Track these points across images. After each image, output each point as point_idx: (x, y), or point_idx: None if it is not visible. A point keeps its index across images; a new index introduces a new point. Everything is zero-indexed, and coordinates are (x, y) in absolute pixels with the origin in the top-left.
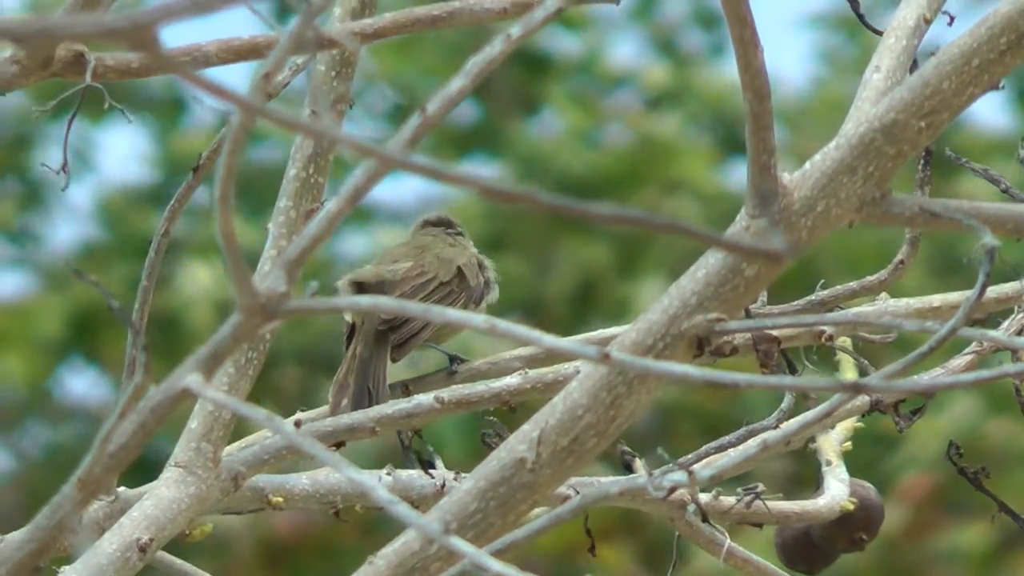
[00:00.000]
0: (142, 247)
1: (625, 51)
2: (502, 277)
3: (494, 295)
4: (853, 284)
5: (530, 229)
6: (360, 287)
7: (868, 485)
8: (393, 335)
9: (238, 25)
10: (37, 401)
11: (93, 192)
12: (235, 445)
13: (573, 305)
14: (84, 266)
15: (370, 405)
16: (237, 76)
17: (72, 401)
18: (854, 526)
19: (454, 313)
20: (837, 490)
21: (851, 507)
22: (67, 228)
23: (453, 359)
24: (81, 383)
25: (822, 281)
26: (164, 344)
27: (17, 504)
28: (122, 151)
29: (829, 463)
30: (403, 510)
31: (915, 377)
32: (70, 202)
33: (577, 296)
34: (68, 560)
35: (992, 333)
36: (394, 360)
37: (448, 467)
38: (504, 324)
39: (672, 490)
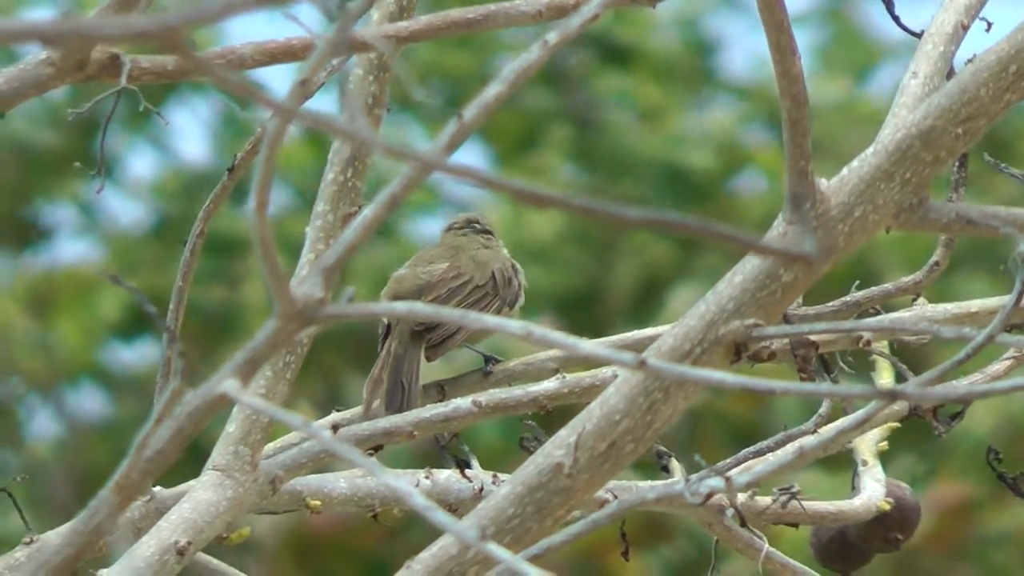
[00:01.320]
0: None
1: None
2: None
3: (522, 300)
4: (888, 285)
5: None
6: (394, 292)
7: (904, 485)
8: (429, 335)
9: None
10: (91, 370)
11: (163, 169)
12: (272, 445)
13: (636, 301)
14: (152, 244)
15: (403, 401)
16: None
17: (127, 373)
18: (890, 526)
19: (490, 319)
20: (873, 490)
21: (887, 507)
22: (136, 206)
23: (488, 360)
24: (138, 355)
25: (857, 282)
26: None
27: (66, 473)
28: (195, 129)
29: (865, 463)
30: (440, 516)
31: (952, 383)
32: (142, 179)
33: (641, 291)
34: (104, 562)
35: None
36: (429, 359)
37: (485, 464)
38: (540, 330)
39: (709, 496)
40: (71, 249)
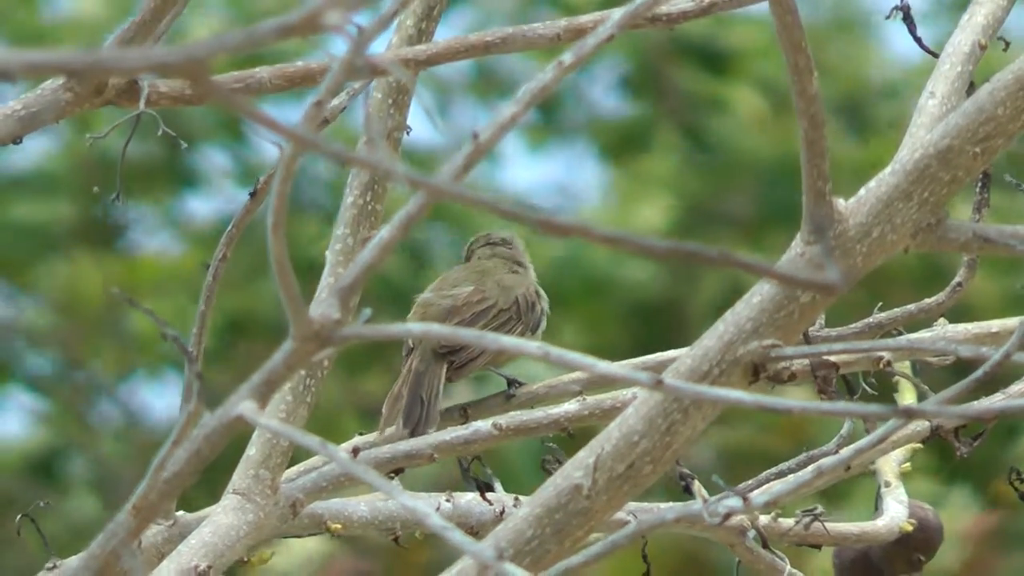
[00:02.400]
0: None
1: None
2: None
3: (544, 325)
4: (911, 307)
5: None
6: (419, 316)
7: (927, 507)
8: (451, 357)
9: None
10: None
11: (240, 165)
12: (295, 469)
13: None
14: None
15: (422, 417)
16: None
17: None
18: (913, 547)
19: (508, 340)
20: (896, 511)
21: (910, 528)
22: (212, 202)
23: (511, 383)
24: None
25: (880, 304)
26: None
27: (127, 461)
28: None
29: (888, 484)
30: (458, 536)
31: (973, 403)
32: (221, 175)
33: (724, 305)
34: None
35: None
36: (451, 381)
37: (510, 488)
38: (557, 351)
39: (727, 516)
40: (150, 246)
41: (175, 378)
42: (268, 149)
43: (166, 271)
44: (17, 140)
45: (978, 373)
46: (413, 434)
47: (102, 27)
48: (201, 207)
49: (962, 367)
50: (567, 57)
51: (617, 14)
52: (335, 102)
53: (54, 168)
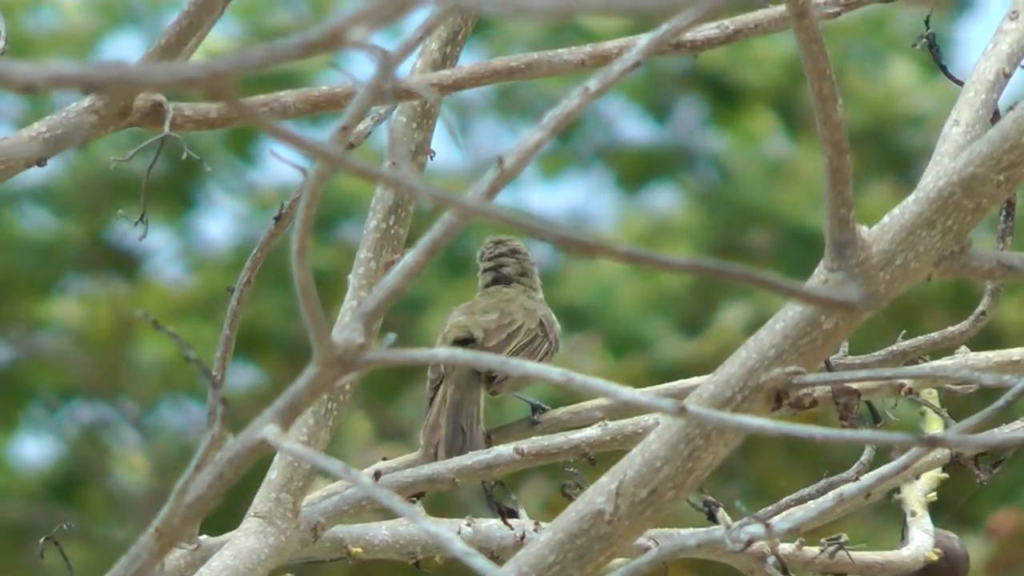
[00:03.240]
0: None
1: None
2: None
3: (559, 349)
4: (935, 335)
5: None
6: (455, 338)
7: (952, 536)
8: (491, 374)
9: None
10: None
11: (251, 192)
12: (317, 494)
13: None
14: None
15: (464, 446)
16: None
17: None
18: None
19: (531, 366)
20: (921, 540)
21: (935, 558)
22: (227, 227)
23: (535, 409)
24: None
25: (903, 332)
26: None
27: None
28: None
29: (914, 514)
30: (480, 562)
31: (994, 431)
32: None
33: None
34: None
35: None
36: (494, 394)
37: (532, 511)
38: (581, 377)
39: (749, 543)
40: (162, 272)
41: (191, 404)
42: (282, 172)
43: (179, 298)
44: (42, 163)
45: (1000, 402)
46: None
47: (91, 38)
48: (211, 229)
49: (986, 394)
50: (592, 84)
51: (642, 41)
52: (360, 127)
53: (60, 187)
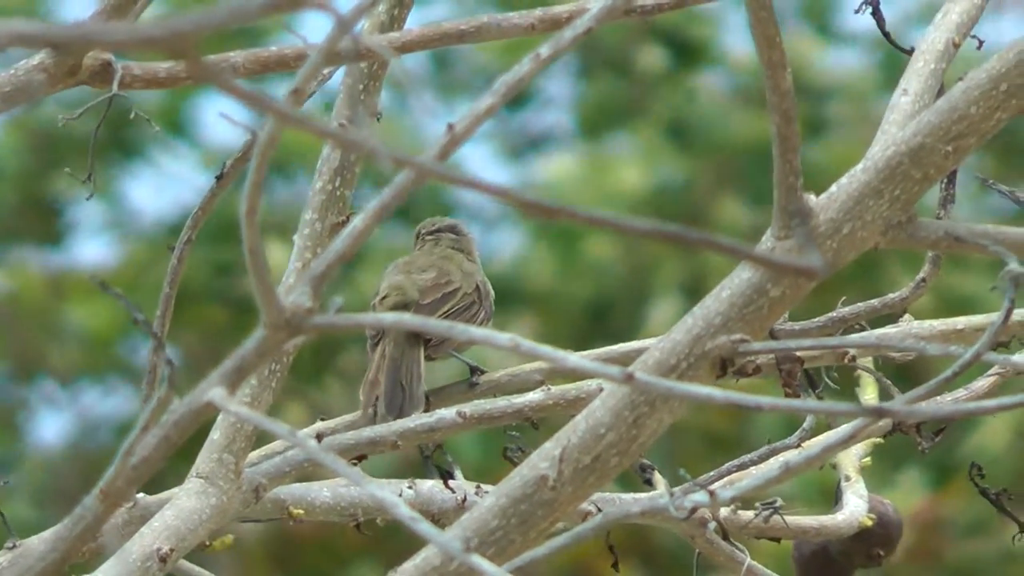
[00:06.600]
0: (227, 226)
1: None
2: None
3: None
4: (875, 302)
5: None
6: (392, 299)
7: (887, 501)
8: (427, 335)
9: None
10: (102, 366)
11: (187, 164)
12: (257, 453)
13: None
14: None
15: (404, 403)
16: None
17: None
18: (872, 542)
19: (477, 331)
20: (856, 506)
21: (869, 523)
22: (162, 198)
23: (474, 370)
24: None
25: (843, 298)
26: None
27: (77, 466)
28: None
29: (848, 478)
30: (425, 527)
31: (937, 400)
32: (169, 172)
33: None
34: (87, 567)
35: (1015, 358)
36: (430, 358)
37: (467, 476)
38: (528, 343)
39: (694, 510)
40: (91, 246)
41: (120, 383)
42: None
43: (110, 272)
44: None
45: (947, 373)
46: (399, 419)
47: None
48: (144, 197)
49: (923, 359)
50: (544, 50)
51: (595, 7)
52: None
53: None
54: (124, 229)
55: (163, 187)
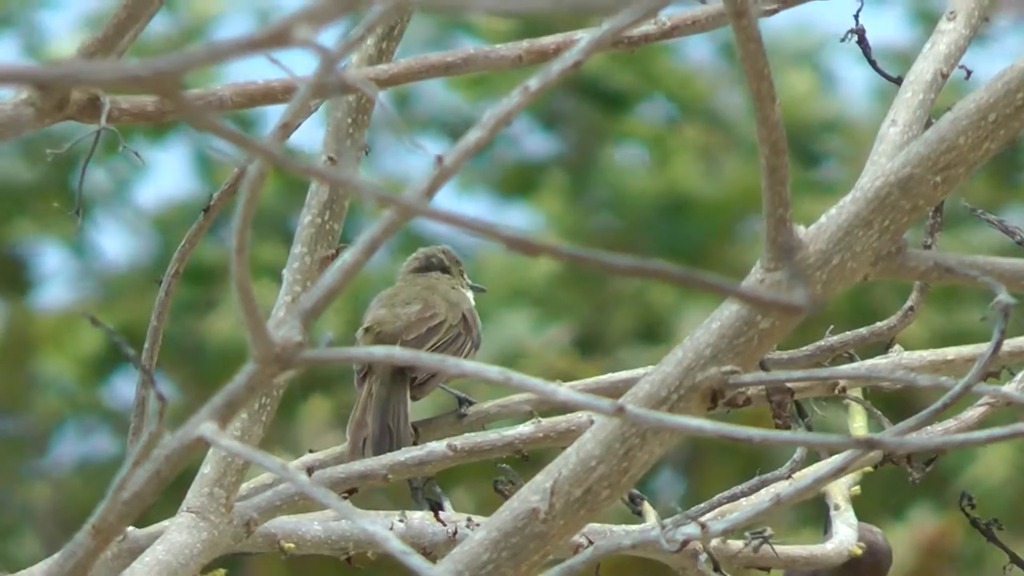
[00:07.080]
0: (195, 266)
1: None
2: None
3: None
4: (863, 330)
5: None
6: (375, 332)
7: (877, 530)
8: (413, 373)
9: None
10: (81, 410)
11: (149, 207)
12: (246, 485)
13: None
14: (136, 281)
15: (391, 444)
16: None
17: (116, 413)
18: (862, 571)
19: (469, 364)
20: (845, 535)
21: (859, 552)
22: (123, 242)
23: (462, 401)
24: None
25: (831, 327)
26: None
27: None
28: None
29: (838, 507)
30: (416, 561)
31: (927, 430)
32: (128, 216)
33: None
34: None
35: (1005, 389)
36: (415, 398)
37: (457, 507)
38: (519, 376)
39: (685, 543)
40: (55, 290)
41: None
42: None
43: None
44: None
45: (938, 404)
46: None
47: None
48: (106, 244)
49: (913, 390)
50: (532, 83)
51: (584, 40)
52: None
53: None
54: (85, 273)
55: (120, 231)
